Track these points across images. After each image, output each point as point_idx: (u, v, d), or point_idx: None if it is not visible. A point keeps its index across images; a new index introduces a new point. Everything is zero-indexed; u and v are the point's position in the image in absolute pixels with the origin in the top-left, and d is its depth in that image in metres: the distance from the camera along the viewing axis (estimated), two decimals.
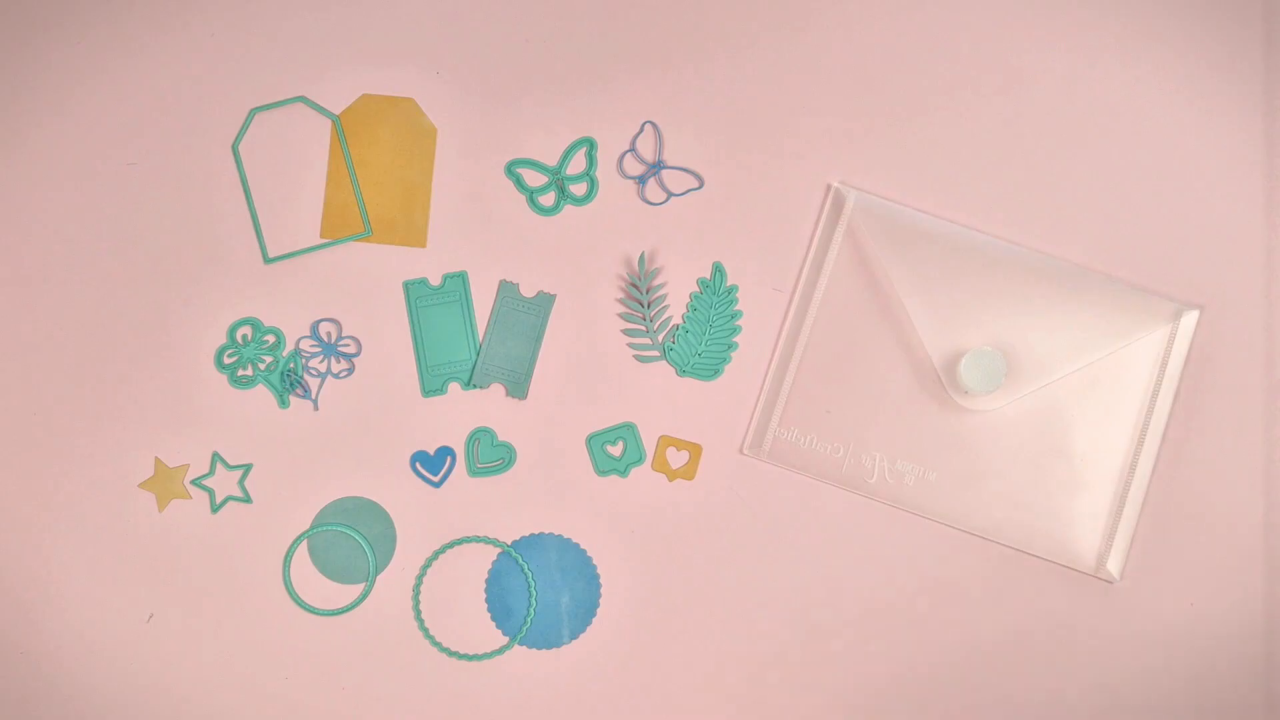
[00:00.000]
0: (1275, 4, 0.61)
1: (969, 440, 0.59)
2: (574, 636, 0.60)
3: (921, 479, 0.59)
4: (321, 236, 0.61)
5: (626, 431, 0.60)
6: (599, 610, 0.60)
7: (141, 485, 0.60)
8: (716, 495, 0.60)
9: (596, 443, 0.60)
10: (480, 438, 0.60)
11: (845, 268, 0.60)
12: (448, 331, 0.61)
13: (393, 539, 0.60)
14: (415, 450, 0.60)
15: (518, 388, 0.61)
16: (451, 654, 0.60)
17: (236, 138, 0.61)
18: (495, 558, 0.60)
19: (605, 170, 0.61)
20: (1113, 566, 0.59)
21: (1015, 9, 0.61)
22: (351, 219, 0.61)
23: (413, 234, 0.61)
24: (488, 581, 0.60)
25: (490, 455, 0.60)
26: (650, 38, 0.61)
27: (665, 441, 0.60)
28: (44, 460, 0.60)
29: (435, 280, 0.61)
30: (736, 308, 0.61)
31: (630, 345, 0.61)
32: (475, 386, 0.61)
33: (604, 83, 0.61)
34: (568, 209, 0.61)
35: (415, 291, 0.61)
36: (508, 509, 0.60)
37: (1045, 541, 0.59)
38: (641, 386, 0.61)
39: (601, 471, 0.60)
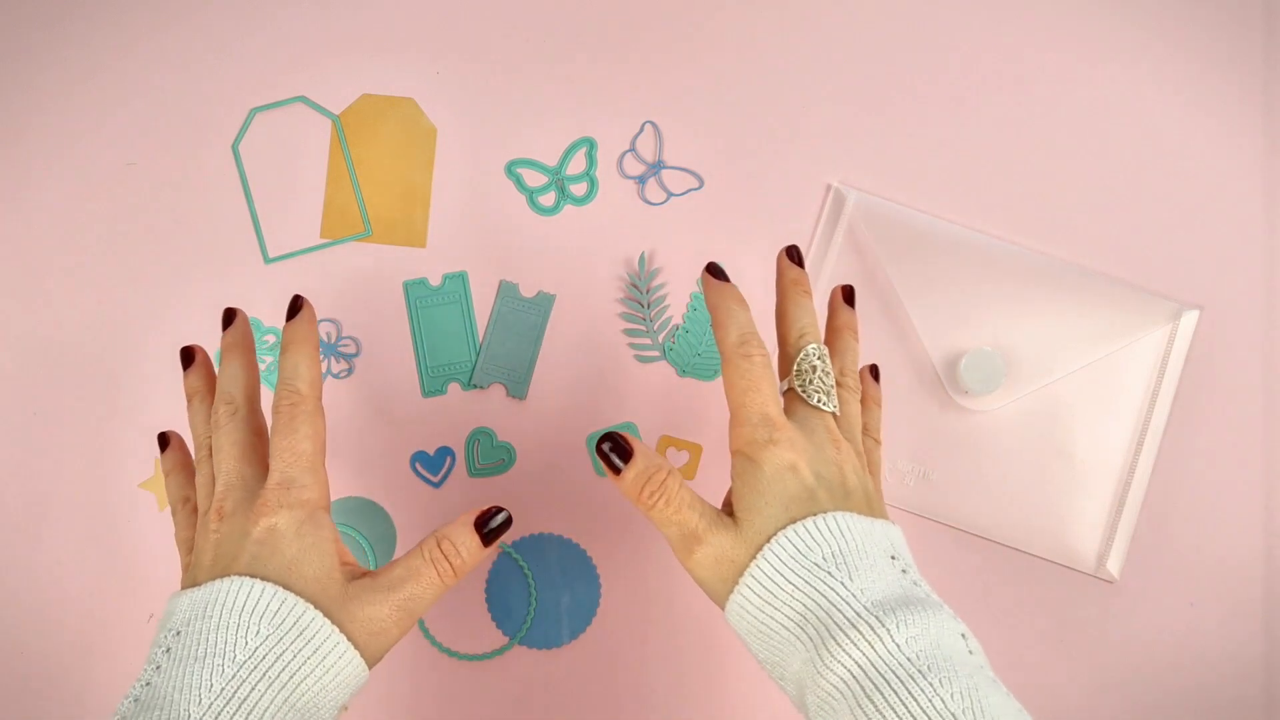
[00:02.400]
0: (1275, 4, 0.61)
1: (969, 440, 0.59)
2: (574, 636, 0.60)
3: (922, 479, 0.59)
4: (321, 236, 0.61)
5: (626, 431, 0.60)
6: (599, 610, 0.60)
7: (141, 485, 0.60)
8: (717, 495, 0.60)
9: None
10: (480, 438, 0.60)
11: (845, 268, 0.60)
12: (448, 332, 0.61)
13: (393, 539, 0.60)
14: (415, 450, 0.61)
15: (518, 388, 0.61)
16: (451, 654, 0.60)
17: (236, 138, 0.61)
18: (495, 558, 0.60)
19: (605, 170, 0.61)
20: (1113, 566, 0.59)
21: (1016, 9, 0.61)
22: (351, 219, 0.61)
23: (413, 234, 0.61)
24: (488, 581, 0.60)
25: (490, 455, 0.60)
26: (650, 38, 0.62)
27: (665, 441, 0.60)
28: (44, 460, 0.60)
29: (435, 280, 0.61)
30: None
31: (630, 345, 0.61)
32: (475, 386, 0.61)
33: (604, 83, 0.61)
34: (568, 209, 0.61)
35: (415, 291, 0.61)
36: (508, 509, 0.60)
37: (1045, 541, 0.59)
38: (641, 386, 0.61)
39: (601, 471, 0.60)
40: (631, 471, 0.42)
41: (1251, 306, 0.60)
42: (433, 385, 0.61)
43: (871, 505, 0.42)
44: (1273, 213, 0.60)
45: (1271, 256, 0.60)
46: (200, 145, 0.61)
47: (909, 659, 0.35)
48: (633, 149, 0.61)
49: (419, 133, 0.61)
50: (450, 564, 0.42)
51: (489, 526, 0.43)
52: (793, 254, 0.47)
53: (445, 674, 0.60)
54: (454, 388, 0.61)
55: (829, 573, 0.38)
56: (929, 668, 0.35)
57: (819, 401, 0.44)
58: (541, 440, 0.61)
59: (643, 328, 0.61)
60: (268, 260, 0.61)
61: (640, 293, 0.60)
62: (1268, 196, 0.60)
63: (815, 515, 0.39)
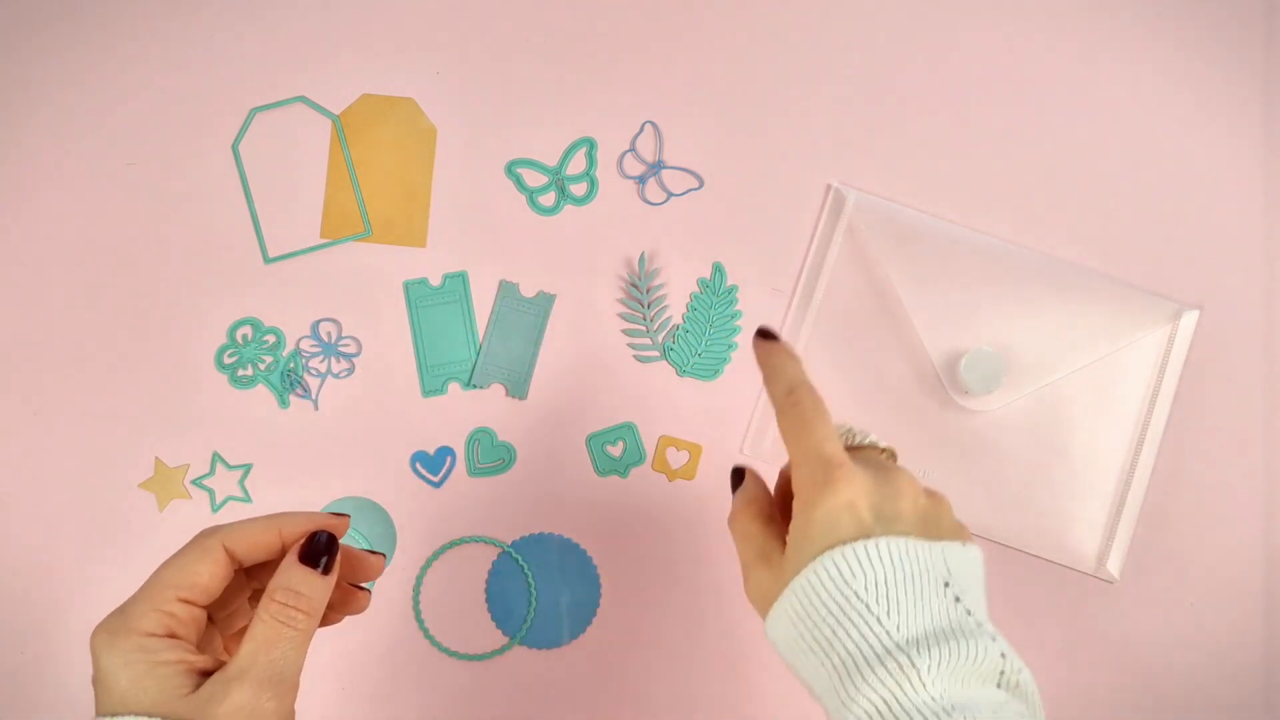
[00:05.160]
0: (1275, 4, 0.61)
1: (969, 440, 0.59)
2: (574, 636, 0.60)
3: (922, 479, 0.59)
4: (321, 236, 0.61)
5: (626, 431, 0.60)
6: (599, 610, 0.60)
7: (141, 485, 0.60)
8: (717, 495, 0.60)
9: (596, 443, 0.60)
10: (480, 438, 0.60)
11: (845, 268, 0.60)
12: (448, 331, 0.61)
13: (393, 539, 0.60)
14: (415, 450, 0.61)
15: (518, 388, 0.61)
16: (451, 654, 0.60)
17: (236, 138, 0.61)
18: (495, 558, 0.60)
19: (605, 170, 0.61)
20: (1113, 566, 0.59)
21: (1015, 9, 0.61)
22: (351, 219, 0.61)
23: (413, 234, 0.61)
24: (488, 581, 0.60)
25: (490, 455, 0.60)
26: (650, 38, 0.62)
27: (665, 441, 0.60)
28: (44, 460, 0.60)
29: (435, 280, 0.61)
30: (736, 308, 0.61)
31: (630, 345, 0.61)
32: (475, 386, 0.61)
33: (604, 83, 0.61)
34: (568, 209, 0.61)
35: (415, 291, 0.61)
36: (508, 509, 0.60)
37: (1045, 541, 0.59)
38: (641, 386, 0.61)
39: (601, 471, 0.60)
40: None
41: (1251, 306, 0.60)
42: (433, 385, 0.61)
43: (932, 527, 0.41)
44: (1272, 213, 0.60)
45: (1271, 256, 0.60)
46: (200, 145, 0.61)
47: (934, 698, 0.35)
48: (633, 149, 0.61)
49: (419, 133, 0.61)
50: (299, 610, 0.39)
51: (318, 556, 0.40)
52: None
53: (445, 674, 0.60)
54: (454, 388, 0.61)
55: (867, 605, 0.37)
56: (953, 707, 0.35)
57: (869, 440, 0.44)
58: (541, 440, 0.61)
59: (642, 328, 0.61)
60: (268, 260, 0.61)
61: (640, 292, 0.60)
62: (1268, 196, 0.60)
63: (861, 540, 0.38)
